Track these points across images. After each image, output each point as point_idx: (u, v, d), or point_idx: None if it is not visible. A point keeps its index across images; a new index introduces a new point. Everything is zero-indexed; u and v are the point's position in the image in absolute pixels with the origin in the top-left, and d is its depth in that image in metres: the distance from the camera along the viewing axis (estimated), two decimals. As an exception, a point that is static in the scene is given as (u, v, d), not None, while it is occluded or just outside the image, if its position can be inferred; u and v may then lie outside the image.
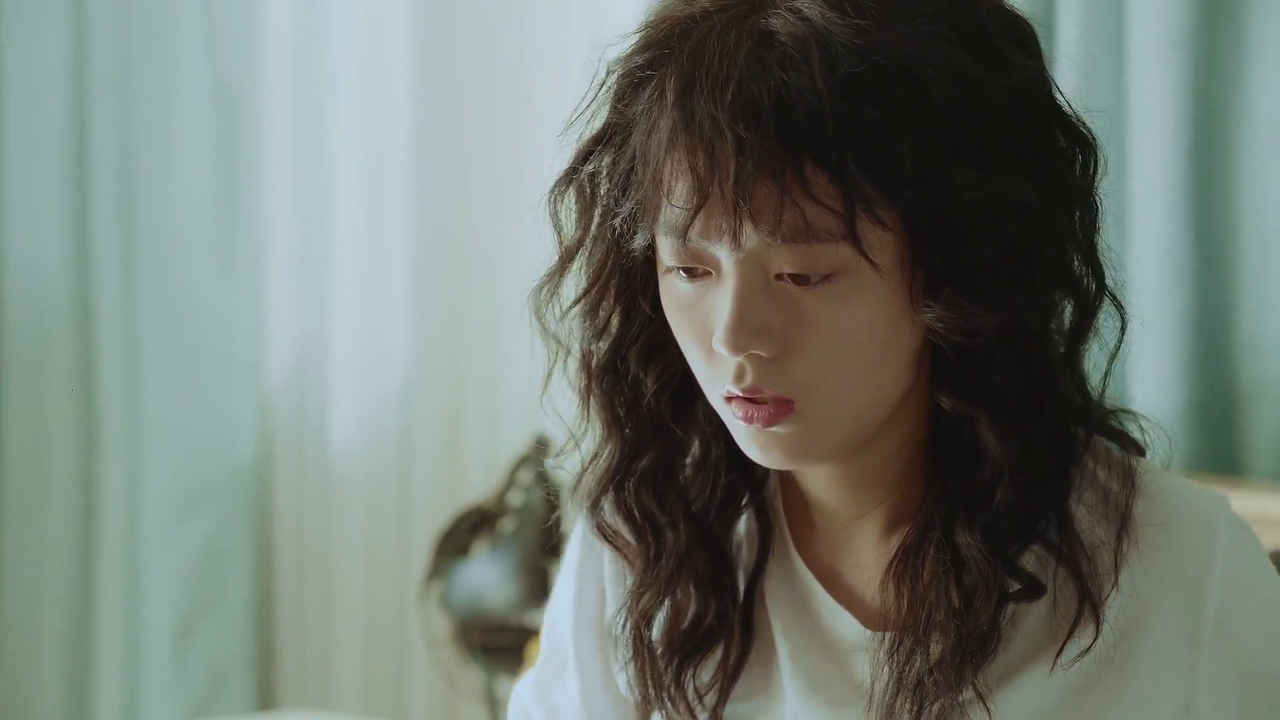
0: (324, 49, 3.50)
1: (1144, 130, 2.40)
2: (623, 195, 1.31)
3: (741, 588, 1.42)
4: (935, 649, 1.32)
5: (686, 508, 1.41)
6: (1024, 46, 1.32)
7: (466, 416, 3.40)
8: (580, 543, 1.48)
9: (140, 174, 3.52)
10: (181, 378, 3.54)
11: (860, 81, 1.24)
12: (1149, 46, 2.40)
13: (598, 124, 1.33)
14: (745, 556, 1.43)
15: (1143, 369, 2.40)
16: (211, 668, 3.56)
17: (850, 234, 1.25)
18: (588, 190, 1.34)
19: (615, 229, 1.32)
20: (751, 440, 1.32)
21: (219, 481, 3.56)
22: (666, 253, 1.31)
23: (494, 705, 3.11)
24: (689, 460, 1.42)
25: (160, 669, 3.55)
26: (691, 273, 1.31)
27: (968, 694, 1.31)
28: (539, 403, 1.40)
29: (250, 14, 3.53)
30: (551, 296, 1.38)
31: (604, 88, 1.33)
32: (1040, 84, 1.32)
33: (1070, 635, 1.32)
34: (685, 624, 1.41)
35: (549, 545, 2.89)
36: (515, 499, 3.05)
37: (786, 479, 1.42)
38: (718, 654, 1.41)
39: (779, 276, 1.28)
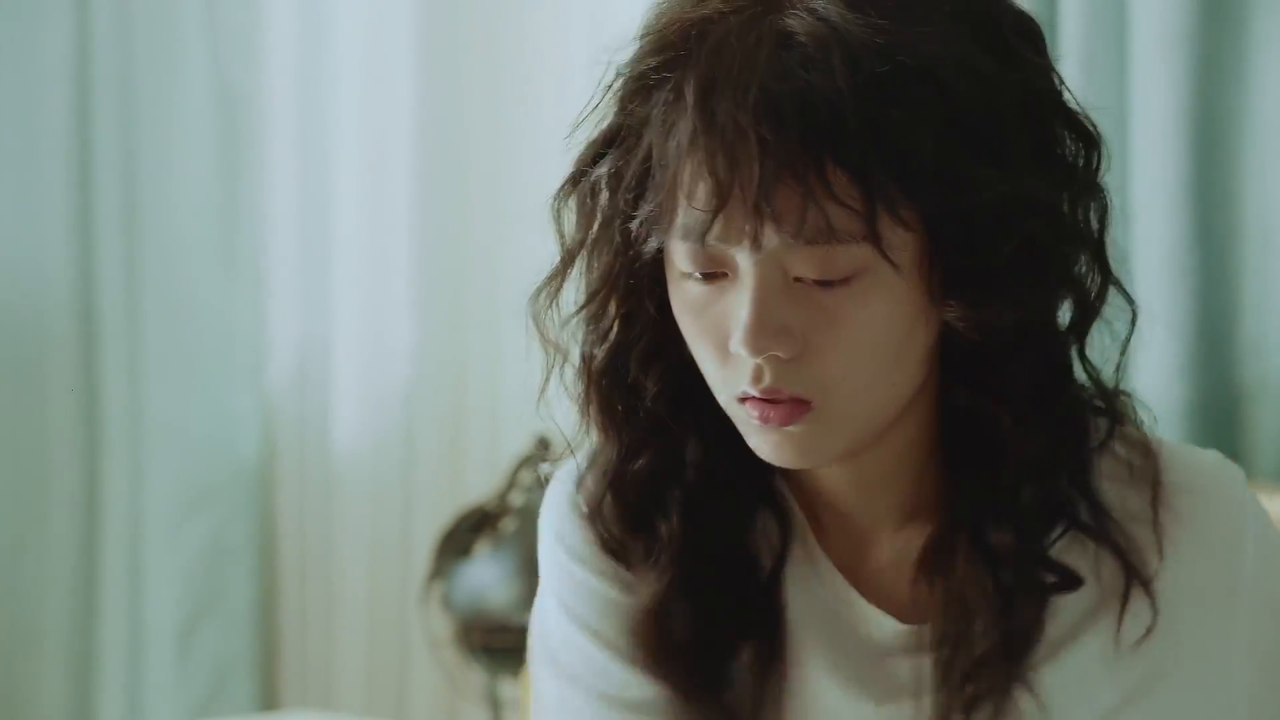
0: (326, 50, 3.50)
1: (1145, 130, 2.40)
2: (636, 199, 1.30)
3: (760, 589, 1.40)
4: (980, 644, 1.32)
5: (687, 510, 1.39)
6: (1033, 44, 1.32)
7: (468, 417, 3.40)
8: (566, 557, 1.43)
9: (142, 174, 3.52)
10: (184, 378, 3.53)
11: (882, 81, 1.24)
12: (1151, 46, 2.40)
13: (602, 127, 1.32)
14: (763, 559, 1.41)
15: (1144, 369, 2.40)
16: (214, 668, 3.56)
17: (871, 233, 1.25)
18: (590, 194, 1.33)
19: (628, 233, 1.31)
20: (765, 440, 1.32)
21: (221, 481, 3.56)
22: (682, 258, 1.30)
23: (496, 705, 3.11)
24: (690, 462, 1.40)
25: (163, 669, 3.55)
26: (706, 275, 1.30)
27: (1018, 686, 1.32)
28: (536, 408, 1.39)
29: (252, 14, 3.53)
30: (551, 301, 1.37)
31: (611, 90, 1.32)
32: (1049, 81, 1.32)
33: (1123, 613, 1.32)
34: (697, 629, 1.38)
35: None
36: (517, 499, 3.05)
37: (795, 480, 1.41)
38: (744, 658, 1.38)
39: (797, 278, 1.28)
